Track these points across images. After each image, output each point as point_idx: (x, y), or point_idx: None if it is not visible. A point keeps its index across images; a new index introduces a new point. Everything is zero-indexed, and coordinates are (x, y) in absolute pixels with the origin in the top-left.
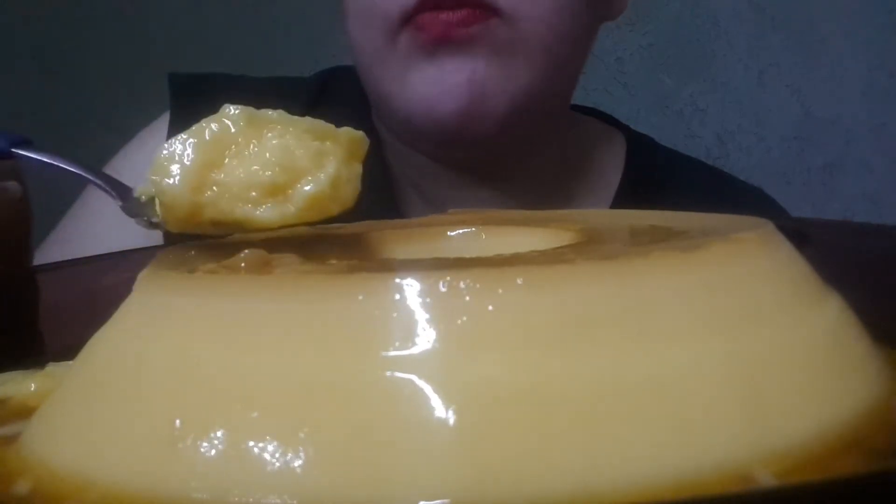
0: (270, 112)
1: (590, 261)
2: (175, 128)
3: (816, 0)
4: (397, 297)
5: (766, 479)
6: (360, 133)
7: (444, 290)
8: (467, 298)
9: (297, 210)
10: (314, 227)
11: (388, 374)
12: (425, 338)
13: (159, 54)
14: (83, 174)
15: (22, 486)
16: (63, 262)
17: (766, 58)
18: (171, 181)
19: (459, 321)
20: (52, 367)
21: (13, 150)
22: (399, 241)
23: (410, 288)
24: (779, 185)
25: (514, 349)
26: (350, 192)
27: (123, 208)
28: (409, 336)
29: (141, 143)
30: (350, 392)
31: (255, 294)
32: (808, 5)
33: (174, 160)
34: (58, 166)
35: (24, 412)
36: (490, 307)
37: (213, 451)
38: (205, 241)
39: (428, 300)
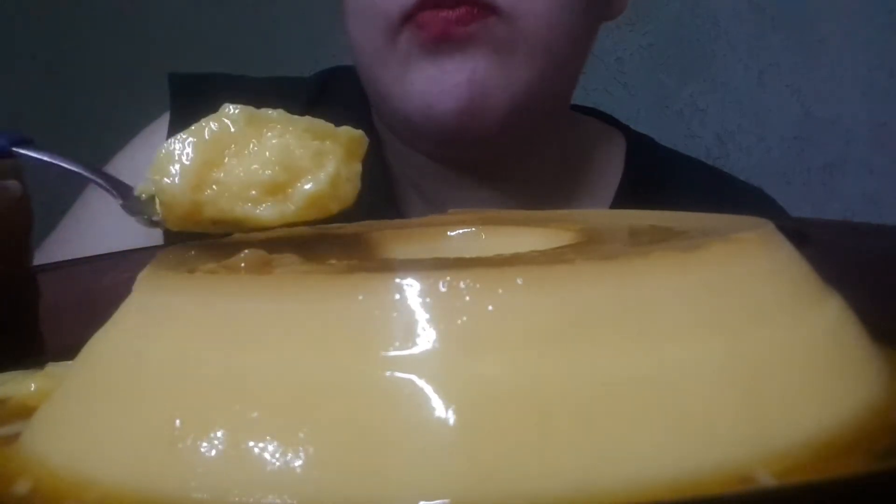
0: (270, 111)
1: (590, 261)
2: (175, 128)
3: (816, 0)
4: (397, 297)
5: (766, 479)
6: (360, 132)
7: (444, 290)
8: (467, 298)
9: (297, 209)
10: (314, 227)
11: (388, 374)
12: (425, 338)
13: (159, 54)
14: (84, 173)
15: (22, 486)
16: (63, 262)
17: (766, 58)
18: (170, 180)
19: (459, 321)
20: (52, 367)
21: (14, 148)
22: (399, 241)
23: (410, 288)
24: (779, 185)
25: (514, 349)
26: (350, 190)
27: (124, 206)
28: (409, 336)
29: (141, 142)
30: (350, 392)
31: (255, 294)
32: (808, 5)
33: (174, 159)
34: (58, 165)
35: (24, 412)
36: (490, 307)
37: (213, 451)
38: (205, 241)
39: (428, 300)
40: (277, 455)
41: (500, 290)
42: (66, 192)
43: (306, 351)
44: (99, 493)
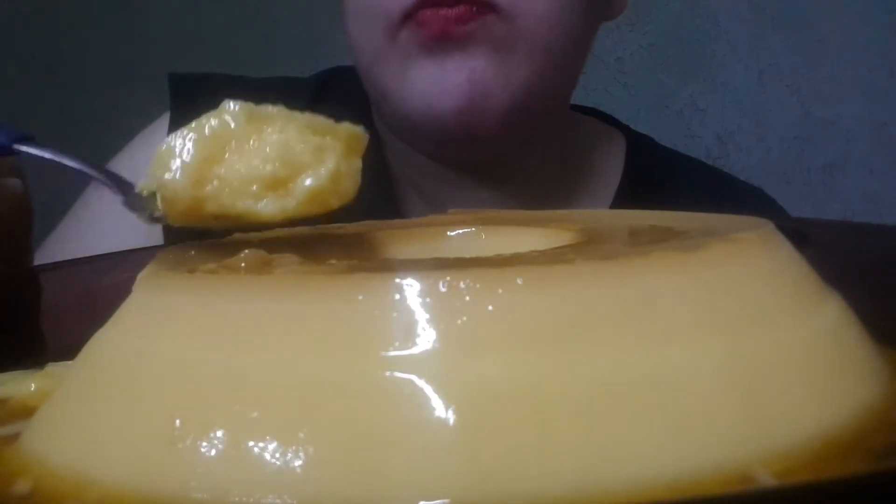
0: (270, 108)
1: (590, 261)
2: (175, 128)
3: (816, 0)
4: (397, 297)
5: (766, 479)
6: (360, 128)
7: (444, 290)
8: (467, 298)
9: (298, 204)
10: (314, 227)
11: (388, 374)
12: (425, 338)
13: (159, 54)
14: (85, 170)
15: (22, 486)
16: (63, 262)
17: (766, 58)
18: (171, 175)
19: (459, 321)
20: (52, 367)
21: (15, 145)
22: (399, 241)
23: (410, 288)
24: (779, 185)
25: (514, 349)
26: (350, 186)
27: (125, 203)
28: (409, 336)
29: (141, 143)
30: (350, 392)
31: (255, 294)
32: (808, 5)
33: (175, 154)
34: (60, 162)
35: (24, 412)
36: (490, 307)
37: (213, 451)
38: (205, 241)
39: (428, 300)
40: (277, 455)
41: (500, 290)
42: (66, 192)
43: (306, 351)
44: (99, 493)
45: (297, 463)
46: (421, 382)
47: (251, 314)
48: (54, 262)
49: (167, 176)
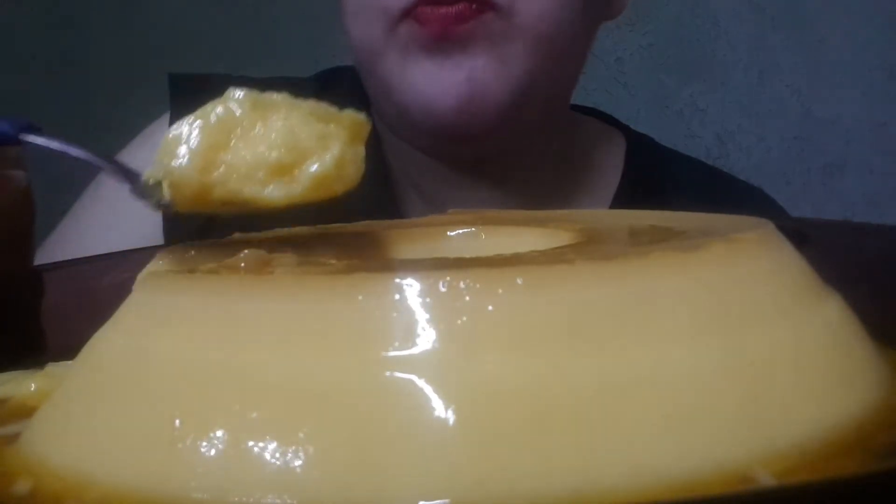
0: (274, 95)
1: (590, 261)
2: None
3: (816, 0)
4: (397, 297)
5: (766, 479)
6: (362, 115)
7: (444, 290)
8: (467, 298)
9: (303, 189)
10: (314, 227)
11: (388, 374)
12: (425, 338)
13: (159, 54)
14: (91, 159)
15: (22, 486)
16: (63, 262)
17: (766, 58)
18: (178, 162)
19: (459, 321)
20: (52, 367)
21: (21, 135)
22: (399, 241)
23: (410, 288)
24: (779, 185)
25: (513, 349)
26: (353, 172)
27: (132, 191)
28: (409, 336)
29: (141, 143)
30: (350, 392)
31: (255, 294)
32: (808, 5)
33: (182, 141)
34: (66, 152)
35: (24, 412)
36: (490, 307)
37: (213, 451)
38: (205, 241)
39: (428, 300)
40: (277, 455)
41: (500, 290)
42: (65, 191)
43: (306, 351)
44: (99, 493)
45: (297, 463)
46: (421, 382)
47: (251, 314)
48: (54, 262)
49: (174, 163)
